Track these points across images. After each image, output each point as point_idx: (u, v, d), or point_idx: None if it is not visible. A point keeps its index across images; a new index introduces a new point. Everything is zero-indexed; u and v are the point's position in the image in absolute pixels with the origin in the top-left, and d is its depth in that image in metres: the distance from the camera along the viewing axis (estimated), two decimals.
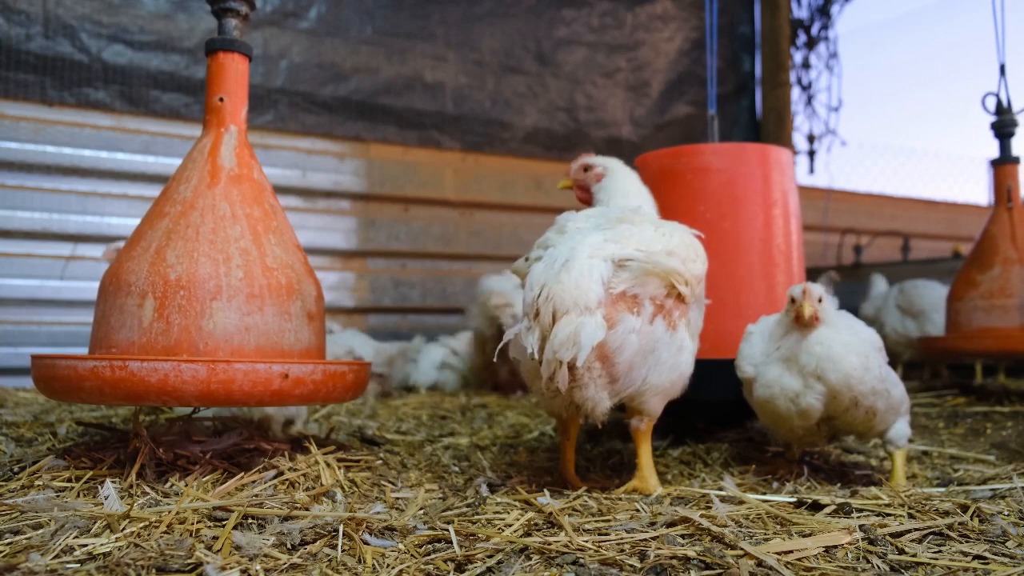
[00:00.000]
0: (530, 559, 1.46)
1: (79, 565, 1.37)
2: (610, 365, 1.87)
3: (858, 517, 1.72)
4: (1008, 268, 3.81)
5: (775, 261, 2.87)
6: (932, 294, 4.88)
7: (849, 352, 2.08)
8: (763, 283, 2.84)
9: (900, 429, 2.22)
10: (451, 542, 1.53)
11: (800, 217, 3.03)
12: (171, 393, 1.85)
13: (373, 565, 1.42)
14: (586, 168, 2.46)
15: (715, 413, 3.04)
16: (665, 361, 1.96)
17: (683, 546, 1.51)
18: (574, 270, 1.82)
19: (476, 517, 1.73)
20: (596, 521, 1.70)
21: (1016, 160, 3.97)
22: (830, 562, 1.45)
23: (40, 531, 1.52)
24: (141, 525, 1.55)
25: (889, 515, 1.73)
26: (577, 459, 2.37)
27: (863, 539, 1.55)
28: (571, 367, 1.79)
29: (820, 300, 2.13)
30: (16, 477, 1.93)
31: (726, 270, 2.81)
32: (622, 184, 2.39)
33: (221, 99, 2.28)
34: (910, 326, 4.93)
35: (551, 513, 1.73)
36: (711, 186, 2.90)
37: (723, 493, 1.94)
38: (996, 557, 1.47)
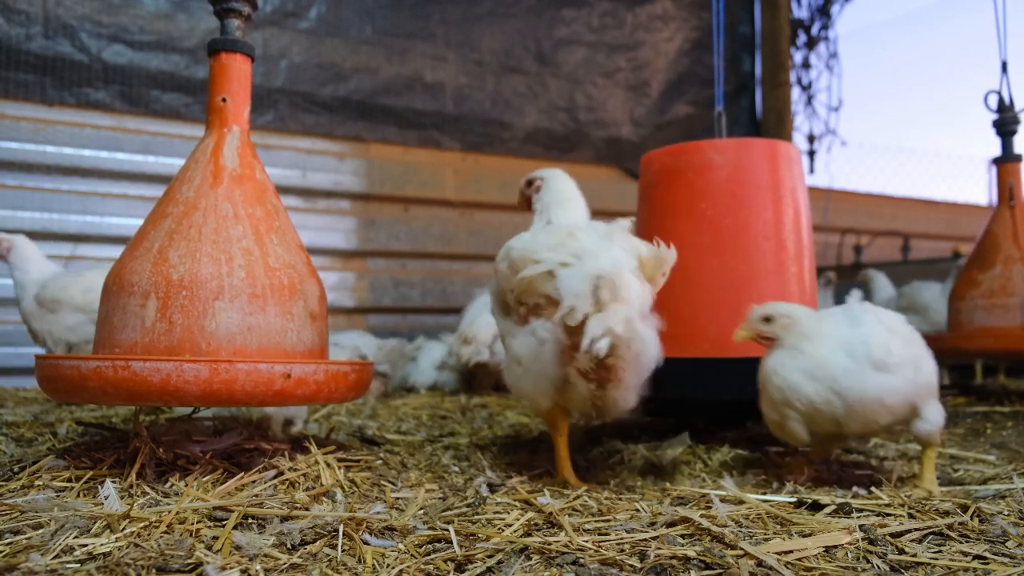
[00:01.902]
0: (530, 559, 1.46)
1: (79, 565, 1.37)
2: (635, 358, 1.91)
3: (858, 517, 1.72)
4: (1009, 267, 3.79)
5: (785, 259, 2.85)
6: (930, 290, 4.88)
7: (808, 379, 2.01)
8: (775, 279, 2.82)
9: (928, 419, 2.03)
10: (451, 542, 1.53)
11: (810, 215, 3.01)
12: (173, 393, 1.85)
13: (373, 565, 1.43)
14: (530, 183, 2.42)
15: (715, 413, 3.03)
16: (651, 352, 1.98)
17: (683, 546, 1.51)
18: (617, 264, 1.90)
19: (476, 517, 1.73)
20: (596, 521, 1.70)
21: (1018, 158, 3.93)
22: (830, 562, 1.45)
23: (40, 531, 1.52)
24: (141, 525, 1.55)
25: (889, 515, 1.73)
26: (577, 459, 2.37)
27: (863, 539, 1.55)
28: (609, 367, 1.82)
29: (768, 320, 2.09)
30: (16, 477, 1.93)
31: (728, 268, 2.80)
32: (558, 193, 2.33)
33: (224, 99, 2.28)
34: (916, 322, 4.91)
35: (551, 513, 1.73)
36: (715, 183, 2.89)
37: (723, 493, 1.94)
38: (996, 557, 1.48)
